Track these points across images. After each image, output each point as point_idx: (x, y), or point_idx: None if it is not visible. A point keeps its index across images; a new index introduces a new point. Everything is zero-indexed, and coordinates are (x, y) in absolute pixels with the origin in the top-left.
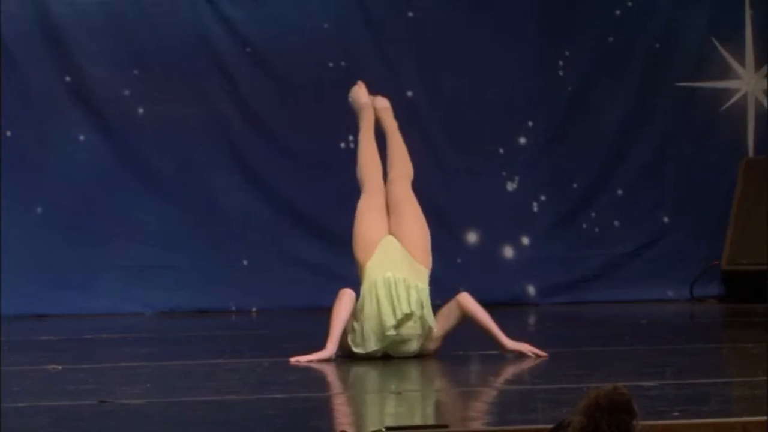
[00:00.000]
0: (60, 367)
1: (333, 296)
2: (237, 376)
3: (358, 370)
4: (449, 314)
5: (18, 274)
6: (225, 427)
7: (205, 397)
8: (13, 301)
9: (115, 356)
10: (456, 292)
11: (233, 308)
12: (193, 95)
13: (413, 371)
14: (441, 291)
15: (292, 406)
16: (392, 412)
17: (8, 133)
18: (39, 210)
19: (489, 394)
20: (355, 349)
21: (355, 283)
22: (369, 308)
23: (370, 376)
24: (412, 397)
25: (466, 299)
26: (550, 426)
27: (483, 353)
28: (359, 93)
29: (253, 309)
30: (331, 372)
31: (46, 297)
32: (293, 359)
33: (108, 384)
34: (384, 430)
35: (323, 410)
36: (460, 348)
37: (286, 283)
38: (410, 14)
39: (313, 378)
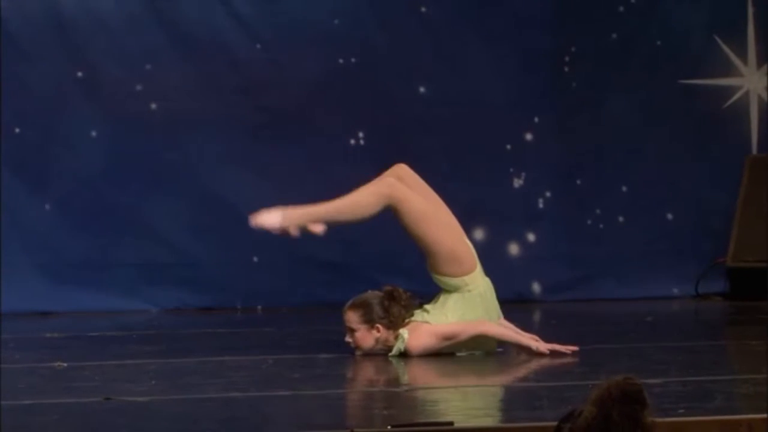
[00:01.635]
0: (65, 365)
1: (344, 294)
2: (242, 373)
3: (365, 367)
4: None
5: (24, 271)
6: (230, 424)
7: (210, 394)
8: (17, 298)
9: (120, 353)
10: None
11: (239, 306)
12: (205, 91)
13: (416, 368)
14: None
15: (298, 403)
16: (397, 410)
17: (17, 130)
18: (47, 207)
19: (493, 391)
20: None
21: (368, 282)
22: (481, 313)
23: (374, 372)
24: (416, 394)
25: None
26: (556, 423)
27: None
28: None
29: (259, 307)
30: (337, 368)
31: (52, 294)
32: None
33: (113, 381)
34: (389, 428)
35: (330, 407)
36: None
37: (295, 280)
38: (423, 9)
39: (318, 375)
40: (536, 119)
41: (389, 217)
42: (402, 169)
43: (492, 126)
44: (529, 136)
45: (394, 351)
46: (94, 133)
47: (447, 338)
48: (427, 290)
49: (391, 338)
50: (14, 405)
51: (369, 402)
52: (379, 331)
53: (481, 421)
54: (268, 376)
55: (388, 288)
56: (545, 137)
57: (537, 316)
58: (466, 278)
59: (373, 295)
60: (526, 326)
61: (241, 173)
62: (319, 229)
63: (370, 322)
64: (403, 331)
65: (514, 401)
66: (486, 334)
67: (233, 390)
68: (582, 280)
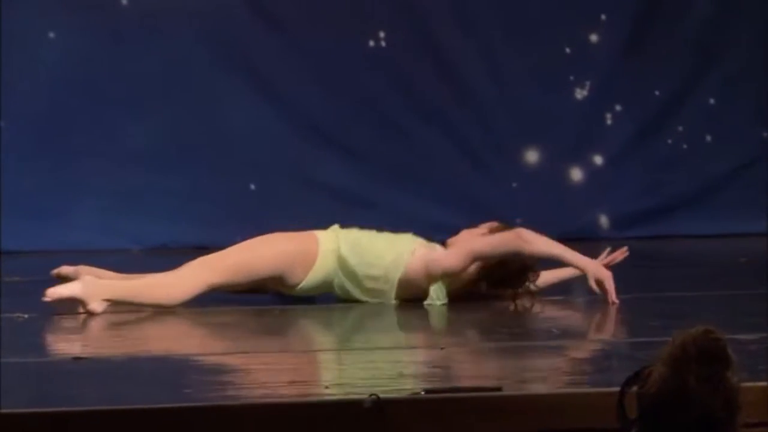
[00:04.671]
0: (26, 316)
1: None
2: (238, 325)
3: (391, 321)
4: None
5: None
6: (225, 382)
7: (198, 351)
8: None
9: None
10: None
11: (239, 241)
12: None
13: (455, 323)
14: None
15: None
16: (436, 371)
17: None
18: (1, 124)
19: (552, 351)
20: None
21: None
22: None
23: (407, 328)
24: (459, 353)
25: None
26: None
27: (546, 299)
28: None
29: None
30: (359, 324)
31: (12, 230)
32: None
33: (85, 337)
34: (423, 392)
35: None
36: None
37: (299, 209)
38: None
39: (334, 326)
40: (603, 17)
41: None
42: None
43: (546, 25)
44: (594, 37)
45: None
46: (52, 34)
47: None
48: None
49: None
50: None
51: (402, 363)
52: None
53: (535, 387)
54: (276, 329)
55: None
56: (615, 39)
57: (605, 257)
58: (317, 264)
59: None
60: None
61: (235, 81)
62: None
63: None
64: None
65: (575, 362)
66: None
67: (228, 346)
68: (659, 213)
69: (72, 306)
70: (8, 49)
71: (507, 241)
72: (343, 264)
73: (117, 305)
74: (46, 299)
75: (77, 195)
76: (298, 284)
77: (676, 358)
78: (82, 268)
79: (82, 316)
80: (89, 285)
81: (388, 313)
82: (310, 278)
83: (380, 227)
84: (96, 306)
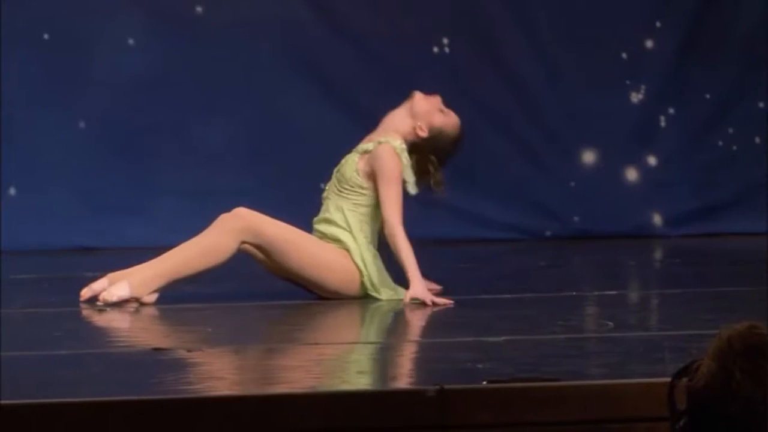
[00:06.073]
0: (107, 308)
1: (423, 225)
2: (307, 318)
3: (447, 316)
4: None
5: (59, 202)
6: (299, 372)
7: (272, 344)
8: (52, 231)
9: (171, 296)
10: None
11: None
12: None
13: (509, 316)
14: (553, 221)
15: (385, 355)
16: (488, 363)
17: (46, 36)
18: (82, 125)
19: (607, 342)
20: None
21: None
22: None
23: (457, 321)
24: (514, 345)
25: None
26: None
27: (601, 294)
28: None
29: None
30: (425, 319)
31: (92, 227)
32: None
33: (164, 328)
34: (485, 383)
35: (416, 360)
36: (573, 288)
37: None
38: None
39: (403, 321)
40: (658, 23)
41: None
42: (240, 213)
43: (603, 31)
44: (649, 43)
45: (365, 147)
46: (131, 41)
47: (389, 187)
48: None
49: (386, 133)
50: (49, 355)
51: (460, 354)
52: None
53: (591, 377)
54: (345, 325)
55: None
56: (669, 44)
57: (658, 254)
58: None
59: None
60: (645, 265)
61: (305, 86)
62: (151, 299)
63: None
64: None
65: (629, 353)
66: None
67: (295, 337)
68: (710, 212)
69: (127, 305)
70: (89, 55)
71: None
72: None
73: (171, 287)
74: (99, 304)
75: (153, 194)
76: (330, 291)
77: (723, 352)
78: (111, 276)
79: (153, 310)
80: (136, 282)
81: (438, 309)
82: (344, 291)
83: (441, 226)
84: (149, 298)
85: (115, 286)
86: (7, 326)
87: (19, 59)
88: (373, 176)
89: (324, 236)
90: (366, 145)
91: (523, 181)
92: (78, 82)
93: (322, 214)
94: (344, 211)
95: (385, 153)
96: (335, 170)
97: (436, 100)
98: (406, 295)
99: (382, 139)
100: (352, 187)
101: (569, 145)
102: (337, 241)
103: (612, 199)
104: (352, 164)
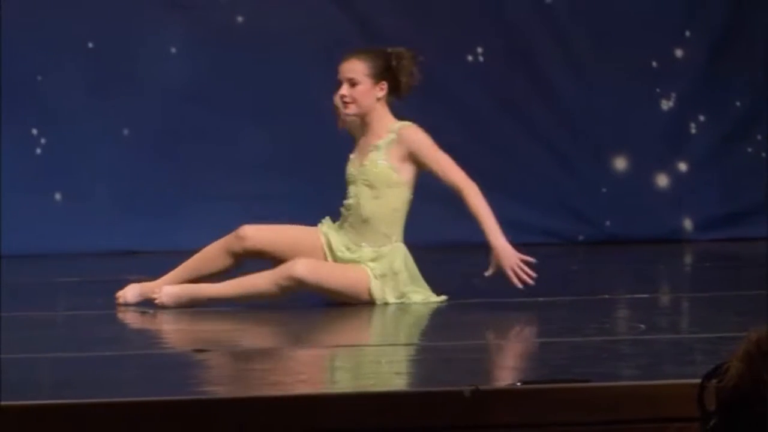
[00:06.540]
0: (152, 311)
1: (457, 229)
2: (341, 320)
3: (482, 318)
4: None
5: (103, 206)
6: (350, 375)
7: (323, 347)
8: (98, 236)
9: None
10: None
11: None
12: (298, 4)
13: (539, 318)
14: (585, 226)
15: (422, 357)
16: (523, 365)
17: (90, 45)
18: (126, 132)
19: (639, 345)
20: None
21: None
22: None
23: (497, 323)
24: (548, 347)
25: None
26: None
27: (632, 297)
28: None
29: None
30: (460, 321)
31: (135, 231)
32: None
33: (207, 331)
34: (518, 384)
35: (450, 361)
36: (605, 291)
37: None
38: None
39: (440, 324)
40: (687, 33)
41: None
42: (247, 231)
43: (634, 41)
44: (679, 52)
45: (381, 144)
46: (173, 50)
47: (439, 155)
48: None
49: (383, 124)
50: (93, 356)
51: (496, 356)
52: (382, 89)
53: (623, 378)
54: (379, 327)
55: (397, 49)
56: (698, 53)
57: (688, 258)
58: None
59: (380, 51)
60: (675, 269)
61: None
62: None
63: (376, 76)
64: (394, 124)
65: (660, 355)
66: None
67: (355, 341)
68: (741, 217)
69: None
70: (133, 64)
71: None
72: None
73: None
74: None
75: (194, 199)
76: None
77: (751, 354)
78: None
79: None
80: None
81: (474, 311)
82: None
83: (476, 230)
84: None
85: (166, 294)
86: (51, 328)
87: (65, 68)
88: (409, 158)
89: (353, 249)
90: (376, 144)
91: (556, 186)
92: (122, 90)
93: (350, 232)
94: (381, 216)
95: (413, 129)
96: (353, 181)
97: (338, 96)
98: (494, 255)
99: (394, 126)
100: (389, 186)
101: (601, 152)
102: (377, 250)
103: (643, 204)
104: (379, 165)
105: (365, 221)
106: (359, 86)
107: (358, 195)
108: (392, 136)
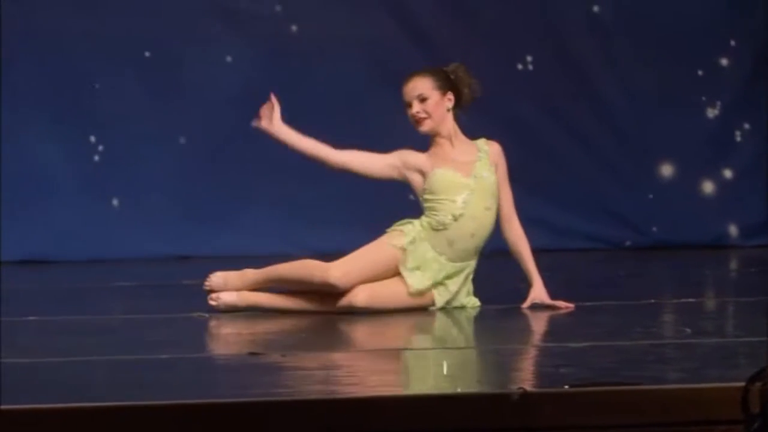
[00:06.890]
0: (207, 315)
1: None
2: (391, 325)
3: (529, 322)
4: None
5: (158, 213)
6: (402, 378)
7: (360, 349)
8: (153, 241)
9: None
10: None
11: None
12: (351, 13)
13: (584, 322)
14: (632, 231)
15: (467, 358)
16: (570, 368)
17: (147, 54)
18: (182, 140)
19: (684, 348)
20: None
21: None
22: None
23: (540, 327)
24: (595, 350)
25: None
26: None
27: (678, 302)
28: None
29: None
30: (502, 324)
31: (189, 237)
32: None
33: (259, 334)
34: (566, 387)
35: (500, 363)
36: (652, 295)
37: None
38: None
39: (487, 328)
40: (732, 42)
41: None
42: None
43: (680, 50)
44: (724, 61)
45: (482, 156)
46: (229, 58)
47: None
48: None
49: (459, 136)
50: (150, 359)
51: (540, 359)
52: (450, 99)
53: (670, 381)
54: (428, 332)
55: (451, 65)
56: (744, 62)
57: (734, 264)
58: None
59: (437, 68)
60: (721, 274)
61: (393, 100)
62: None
63: (442, 87)
64: (481, 142)
65: (706, 358)
66: None
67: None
68: None
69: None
70: (189, 72)
71: None
72: None
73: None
74: (212, 303)
75: (251, 204)
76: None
77: None
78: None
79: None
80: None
81: (520, 315)
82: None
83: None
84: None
85: (226, 294)
86: (108, 332)
87: (123, 76)
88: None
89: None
90: (481, 145)
91: (604, 193)
92: (177, 98)
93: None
94: (491, 228)
95: (500, 148)
96: (470, 192)
97: (412, 114)
98: (529, 298)
99: (479, 141)
100: (495, 197)
101: (648, 159)
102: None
103: (689, 210)
104: (491, 174)
105: (473, 235)
106: (429, 100)
107: (468, 205)
108: (486, 148)
